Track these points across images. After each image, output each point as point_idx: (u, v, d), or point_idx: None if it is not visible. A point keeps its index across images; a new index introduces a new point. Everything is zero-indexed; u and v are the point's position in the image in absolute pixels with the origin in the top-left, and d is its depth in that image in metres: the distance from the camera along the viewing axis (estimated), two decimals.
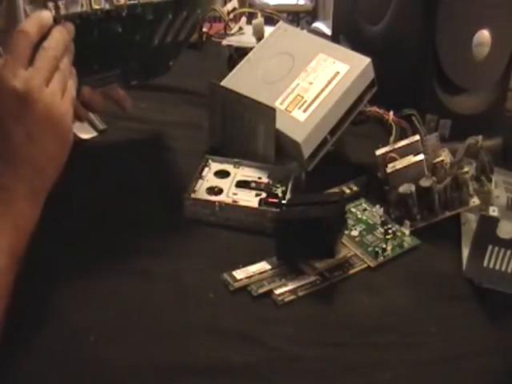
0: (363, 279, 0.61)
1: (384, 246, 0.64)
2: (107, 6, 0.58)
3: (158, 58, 0.74)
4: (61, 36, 0.54)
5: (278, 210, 0.65)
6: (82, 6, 0.57)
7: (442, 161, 0.67)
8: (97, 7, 0.57)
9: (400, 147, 0.69)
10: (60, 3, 0.55)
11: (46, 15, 0.53)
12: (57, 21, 0.55)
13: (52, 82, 0.53)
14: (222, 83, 0.80)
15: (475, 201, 0.66)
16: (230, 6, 1.18)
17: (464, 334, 0.55)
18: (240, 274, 0.59)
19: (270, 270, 0.60)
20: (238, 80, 0.80)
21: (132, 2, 0.60)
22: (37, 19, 0.53)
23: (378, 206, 0.69)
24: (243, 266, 0.60)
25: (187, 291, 0.58)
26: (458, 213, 0.67)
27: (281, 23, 0.86)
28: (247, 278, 0.58)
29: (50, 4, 0.55)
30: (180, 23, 0.69)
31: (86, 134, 0.77)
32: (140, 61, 0.71)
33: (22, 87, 0.50)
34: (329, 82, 0.73)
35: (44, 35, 0.53)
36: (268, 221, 0.65)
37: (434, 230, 0.66)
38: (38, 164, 0.52)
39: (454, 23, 0.76)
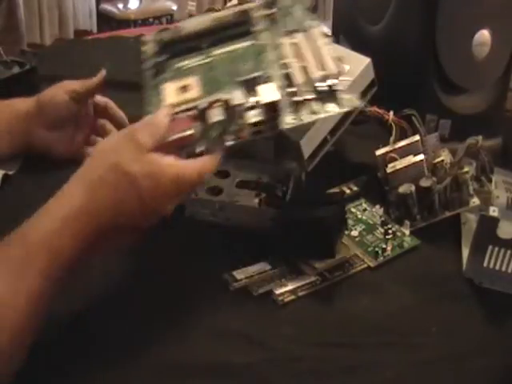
0: (363, 279, 0.61)
1: (384, 246, 0.64)
2: None
3: None
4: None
5: (277, 210, 0.65)
6: None
7: (442, 161, 0.67)
8: None
9: (400, 147, 0.69)
10: None
11: None
12: None
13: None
14: None
15: (475, 201, 0.66)
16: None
17: (464, 334, 0.55)
18: (240, 273, 0.59)
19: (270, 270, 0.60)
20: None
21: None
22: None
23: (377, 206, 0.69)
24: (243, 266, 0.60)
25: (187, 291, 0.58)
26: (458, 213, 0.67)
27: None
28: (247, 278, 0.58)
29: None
30: None
31: None
32: None
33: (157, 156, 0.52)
34: None
35: None
36: (268, 221, 0.65)
37: (434, 230, 0.66)
38: (119, 224, 0.51)
39: (454, 23, 0.76)
